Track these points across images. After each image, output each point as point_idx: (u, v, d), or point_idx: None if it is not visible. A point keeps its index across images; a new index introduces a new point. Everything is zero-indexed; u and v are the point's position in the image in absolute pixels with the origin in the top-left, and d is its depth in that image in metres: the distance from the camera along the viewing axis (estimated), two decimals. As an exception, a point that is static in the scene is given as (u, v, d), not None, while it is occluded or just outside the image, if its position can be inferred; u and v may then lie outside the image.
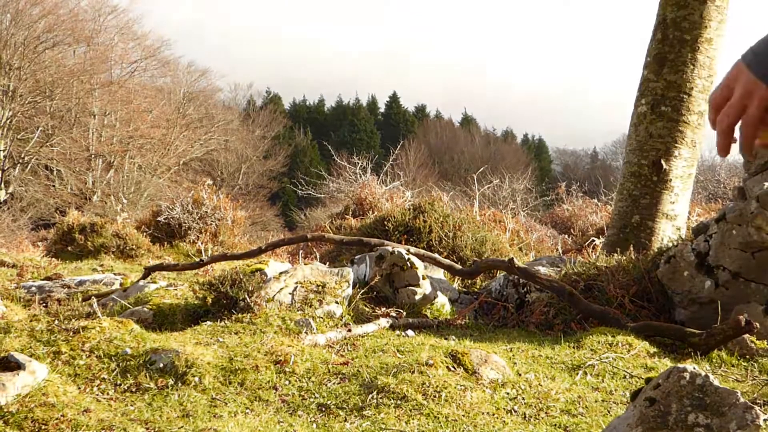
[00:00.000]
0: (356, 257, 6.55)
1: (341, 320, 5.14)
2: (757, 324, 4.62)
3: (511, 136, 57.11)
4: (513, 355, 4.52)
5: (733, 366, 4.58)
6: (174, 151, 34.68)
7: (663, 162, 7.12)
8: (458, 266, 6.80)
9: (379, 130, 54.08)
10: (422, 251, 6.69)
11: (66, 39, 29.49)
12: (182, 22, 78.45)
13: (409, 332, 5.07)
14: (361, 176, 17.48)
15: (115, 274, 8.07)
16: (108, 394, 3.47)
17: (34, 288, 6.70)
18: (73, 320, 4.26)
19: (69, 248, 11.06)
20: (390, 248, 6.18)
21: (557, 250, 12.79)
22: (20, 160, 27.77)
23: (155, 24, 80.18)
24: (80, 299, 5.62)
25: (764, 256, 5.09)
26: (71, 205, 23.34)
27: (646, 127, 7.25)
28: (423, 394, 3.59)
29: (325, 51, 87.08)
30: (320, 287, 5.36)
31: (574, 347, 4.76)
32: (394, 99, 57.94)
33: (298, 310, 5.07)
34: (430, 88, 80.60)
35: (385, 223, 9.16)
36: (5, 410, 3.08)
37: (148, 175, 32.47)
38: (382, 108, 58.50)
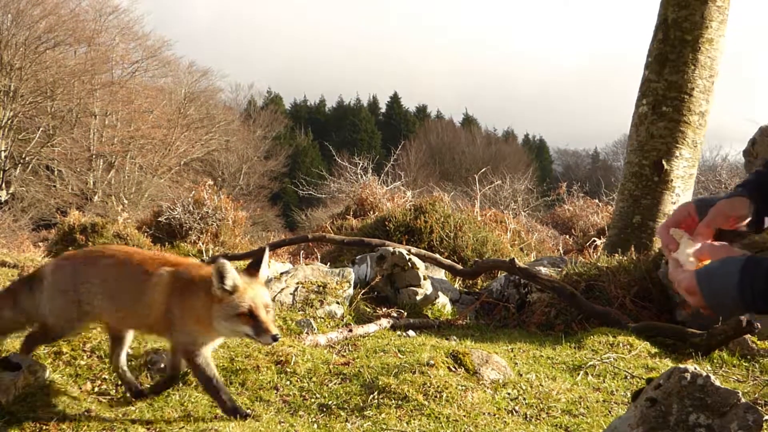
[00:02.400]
0: (357, 257, 6.55)
1: (342, 320, 5.14)
2: (758, 324, 4.62)
3: (512, 137, 57.13)
4: (514, 356, 4.52)
5: (734, 366, 4.58)
6: (175, 151, 34.70)
7: (664, 162, 7.12)
8: (459, 266, 6.80)
9: (380, 131, 54.09)
10: (423, 251, 6.69)
11: (67, 39, 29.54)
12: (182, 22, 78.49)
13: (410, 332, 5.07)
14: (362, 176, 17.46)
15: (116, 274, 8.06)
16: (109, 394, 3.47)
17: (35, 288, 6.69)
18: (75, 320, 4.25)
19: (70, 248, 11.06)
20: (391, 248, 6.18)
21: (558, 250, 12.80)
22: (21, 161, 27.81)
23: (155, 24, 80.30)
24: (81, 299, 5.62)
25: (765, 256, 5.08)
26: (72, 206, 23.35)
27: (647, 127, 7.24)
28: (424, 395, 3.59)
29: (326, 51, 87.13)
30: (321, 287, 5.36)
31: (575, 347, 4.76)
32: (395, 99, 57.99)
33: (299, 311, 5.07)
34: (431, 88, 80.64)
35: (386, 223, 9.15)
36: (6, 410, 3.08)
37: (149, 175, 32.50)
38: (383, 108, 58.55)
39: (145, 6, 71.43)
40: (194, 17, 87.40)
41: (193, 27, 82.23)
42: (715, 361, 4.66)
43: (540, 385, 3.94)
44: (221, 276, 3.01)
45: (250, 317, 3.00)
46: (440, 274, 6.77)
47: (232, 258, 7.18)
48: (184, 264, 3.31)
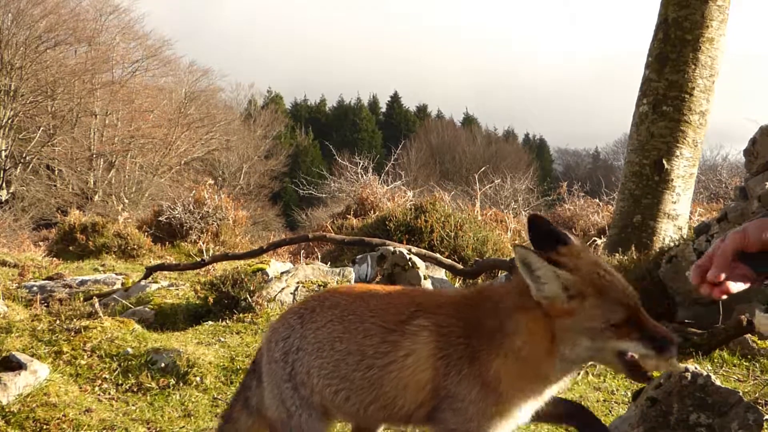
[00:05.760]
0: (358, 257, 6.55)
1: (342, 320, 5.14)
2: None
3: (513, 136, 57.07)
4: (514, 355, 4.51)
5: (734, 366, 4.58)
6: (175, 150, 34.67)
7: (664, 162, 7.12)
8: (460, 266, 6.80)
9: (381, 130, 54.02)
10: (424, 251, 6.69)
11: (67, 39, 29.54)
12: (182, 22, 78.53)
13: (411, 332, 5.06)
14: (362, 176, 17.45)
15: (116, 273, 8.07)
16: (109, 393, 3.48)
17: (35, 288, 6.71)
18: (75, 320, 4.26)
19: (70, 248, 11.06)
20: (391, 248, 6.18)
21: (559, 249, 12.73)
22: (22, 160, 27.81)
23: (154, 24, 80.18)
24: (82, 299, 5.62)
25: None
26: (73, 205, 23.33)
27: (647, 126, 7.24)
28: (424, 394, 3.58)
29: (326, 50, 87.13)
30: (322, 287, 5.36)
31: (575, 347, 4.75)
32: (395, 99, 57.91)
33: (299, 310, 5.07)
34: (431, 88, 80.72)
35: (387, 222, 9.15)
36: (7, 410, 3.08)
37: (149, 174, 32.48)
38: (383, 108, 58.46)
39: (146, 5, 71.33)
40: (196, 18, 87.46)
41: (194, 27, 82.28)
42: (715, 360, 4.66)
43: (540, 384, 3.93)
44: (532, 270, 1.76)
45: (631, 325, 1.72)
46: (441, 273, 6.76)
47: (232, 258, 7.17)
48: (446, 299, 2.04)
